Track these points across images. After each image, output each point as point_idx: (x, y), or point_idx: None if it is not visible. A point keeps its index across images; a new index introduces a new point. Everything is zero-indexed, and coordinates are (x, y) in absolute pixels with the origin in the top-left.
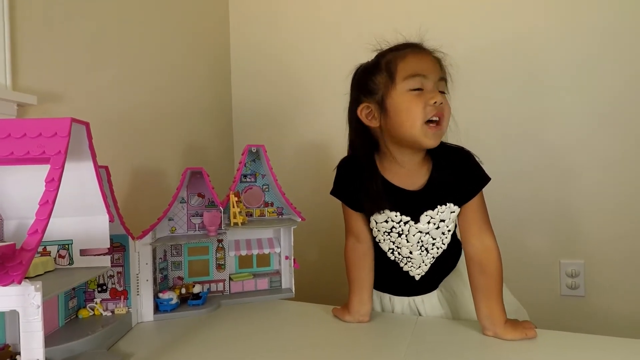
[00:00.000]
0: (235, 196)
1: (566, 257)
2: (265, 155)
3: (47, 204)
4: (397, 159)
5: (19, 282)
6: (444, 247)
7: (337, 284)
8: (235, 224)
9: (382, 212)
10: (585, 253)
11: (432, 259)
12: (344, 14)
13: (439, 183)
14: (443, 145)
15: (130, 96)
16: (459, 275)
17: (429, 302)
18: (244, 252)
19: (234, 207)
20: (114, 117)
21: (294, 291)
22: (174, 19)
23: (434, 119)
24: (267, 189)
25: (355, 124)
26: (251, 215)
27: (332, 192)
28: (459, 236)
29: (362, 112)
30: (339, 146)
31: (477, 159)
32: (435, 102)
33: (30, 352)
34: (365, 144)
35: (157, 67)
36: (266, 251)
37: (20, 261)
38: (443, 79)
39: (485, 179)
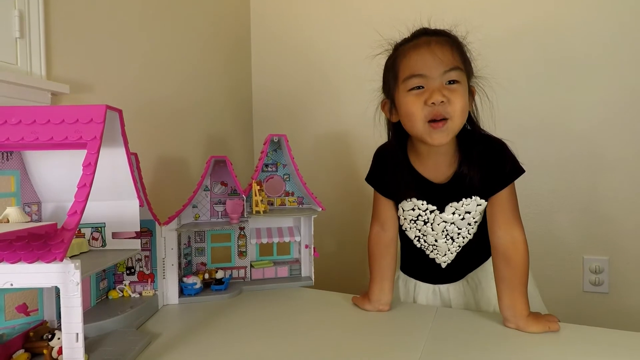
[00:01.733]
0: (257, 185)
1: (590, 253)
2: (287, 144)
3: (85, 187)
4: (423, 152)
5: (61, 260)
6: (470, 236)
7: (355, 274)
8: (257, 212)
9: (409, 199)
10: (611, 249)
11: (458, 247)
12: (365, 4)
13: (465, 177)
14: (475, 136)
15: (155, 87)
16: (486, 269)
17: (454, 291)
18: (264, 240)
19: (256, 195)
20: (141, 107)
21: (313, 279)
22: (197, 11)
23: (437, 119)
24: (287, 179)
25: (385, 117)
26: (272, 204)
27: (367, 178)
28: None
29: (385, 107)
30: (358, 137)
31: (510, 151)
32: (432, 103)
33: (70, 326)
34: (395, 134)
35: (181, 59)
36: (286, 240)
37: (62, 239)
38: (454, 69)
39: (517, 172)
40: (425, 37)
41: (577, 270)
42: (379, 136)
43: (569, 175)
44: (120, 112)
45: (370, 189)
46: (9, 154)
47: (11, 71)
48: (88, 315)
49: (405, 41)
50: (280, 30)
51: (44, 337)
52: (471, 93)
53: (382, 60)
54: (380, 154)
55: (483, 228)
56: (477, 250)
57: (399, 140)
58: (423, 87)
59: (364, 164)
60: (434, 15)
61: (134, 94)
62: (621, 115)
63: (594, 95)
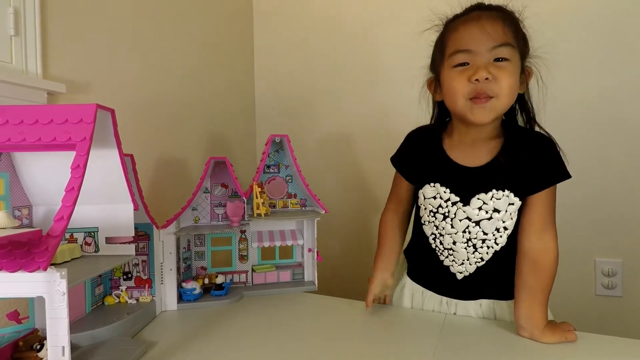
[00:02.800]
0: (258, 187)
1: (602, 255)
2: (289, 145)
3: (73, 190)
4: (463, 131)
5: (45, 269)
6: (497, 247)
7: (359, 278)
8: (259, 214)
9: (432, 185)
10: (624, 251)
11: (480, 260)
12: (367, 5)
13: (503, 166)
14: (524, 129)
15: (155, 87)
16: (509, 305)
17: (463, 310)
18: (266, 244)
19: (257, 197)
20: (140, 107)
21: (316, 284)
22: (198, 10)
23: (478, 95)
24: (290, 180)
25: (429, 96)
26: (274, 206)
27: (392, 158)
28: None
29: (430, 85)
30: (362, 138)
31: (559, 151)
32: (476, 80)
33: (56, 338)
34: (437, 115)
35: (181, 58)
36: (289, 243)
37: (46, 247)
38: (504, 45)
39: (564, 175)
40: (477, 11)
41: (588, 273)
42: (386, 137)
43: (580, 173)
44: (112, 111)
45: (376, 191)
46: None
47: (6, 70)
48: (82, 323)
49: (457, 17)
50: (284, 29)
51: (34, 347)
52: (526, 74)
53: (390, 59)
54: (412, 135)
55: (515, 247)
56: (503, 273)
57: (441, 122)
58: (468, 64)
59: (368, 166)
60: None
61: (132, 93)
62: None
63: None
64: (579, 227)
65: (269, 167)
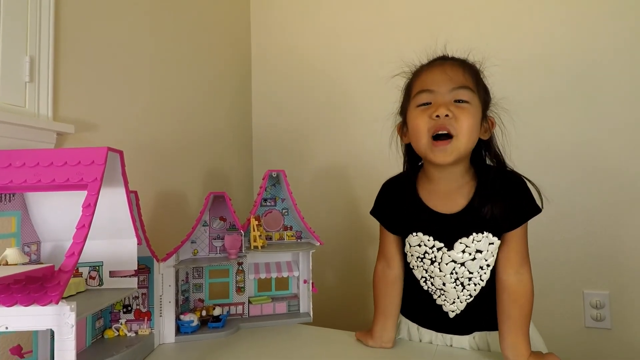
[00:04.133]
0: (255, 220)
1: (590, 288)
2: (285, 180)
3: (84, 227)
4: (434, 177)
5: (57, 302)
6: (482, 283)
7: (356, 309)
8: (255, 247)
9: (415, 234)
10: (611, 284)
11: (469, 296)
12: (363, 39)
13: (479, 209)
14: (494, 169)
15: (157, 125)
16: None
17: (458, 344)
18: (263, 276)
19: (254, 230)
20: (142, 145)
21: (311, 315)
22: (199, 51)
23: (441, 132)
24: (286, 213)
25: (402, 143)
26: (270, 238)
27: (372, 211)
28: None
29: (400, 129)
30: (358, 171)
31: (529, 187)
32: (437, 116)
33: None
34: (408, 162)
35: (183, 97)
36: (285, 274)
37: (58, 282)
38: (464, 88)
39: (535, 210)
40: (440, 60)
41: (577, 305)
42: (381, 167)
43: (566, 206)
44: (121, 153)
45: (371, 224)
46: (11, 196)
47: (20, 114)
48: (83, 356)
49: (423, 66)
50: (281, 65)
51: None
52: (490, 124)
53: (386, 94)
54: (387, 186)
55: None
56: (490, 306)
57: (411, 168)
58: (431, 104)
59: (365, 198)
60: (443, 42)
61: (136, 132)
62: (628, 142)
63: (608, 122)
64: (568, 260)
65: (265, 200)
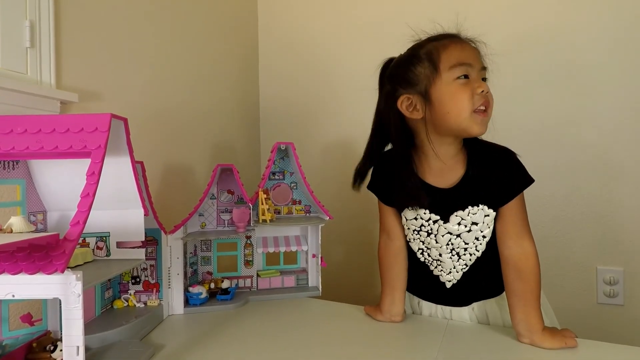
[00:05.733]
0: (264, 193)
1: (604, 264)
2: (294, 152)
3: (88, 196)
4: (431, 153)
5: (62, 271)
6: (478, 254)
7: (364, 283)
8: (264, 220)
9: (411, 208)
10: (625, 260)
11: (464, 266)
12: (371, 12)
13: (473, 183)
14: (483, 143)
15: (163, 96)
16: (497, 301)
17: (458, 316)
18: (271, 249)
19: (262, 204)
20: (148, 116)
21: (320, 289)
22: (205, 22)
23: (481, 107)
24: (295, 187)
25: (393, 118)
26: (279, 212)
27: (369, 186)
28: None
29: (403, 104)
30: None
31: (519, 160)
32: (482, 91)
33: (71, 338)
34: (402, 138)
35: (189, 68)
36: (293, 249)
37: (63, 251)
38: (485, 68)
39: (527, 181)
40: (459, 37)
41: (590, 282)
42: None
43: (581, 182)
44: (125, 120)
45: (376, 198)
46: (14, 163)
47: (21, 80)
48: (92, 326)
49: (432, 39)
50: (288, 38)
51: (47, 348)
52: None
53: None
54: (382, 161)
55: (494, 250)
56: (486, 275)
57: (406, 144)
58: (467, 78)
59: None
60: (441, 19)
61: (142, 102)
62: (635, 121)
63: (606, 101)
64: (581, 236)
65: (274, 174)
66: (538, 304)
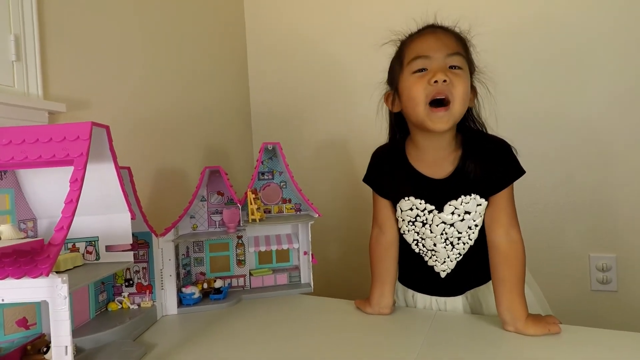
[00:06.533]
0: (252, 193)
1: (596, 251)
2: (281, 152)
3: (72, 202)
4: (422, 145)
5: (47, 275)
6: (471, 242)
7: (354, 280)
8: (254, 220)
9: (407, 199)
10: (617, 247)
11: (458, 255)
12: (360, 12)
13: (466, 173)
14: (479, 134)
15: (152, 101)
16: (488, 287)
17: (452, 306)
18: (263, 248)
19: (251, 204)
20: (139, 122)
21: (312, 286)
22: (192, 26)
23: (439, 97)
24: (284, 186)
25: (388, 112)
26: (270, 212)
27: (364, 179)
28: None
29: (388, 99)
30: (358, 142)
31: (514, 151)
32: (435, 81)
33: (59, 339)
34: (395, 130)
35: (178, 73)
36: (285, 247)
37: (47, 255)
38: (457, 54)
39: (519, 172)
40: (431, 28)
41: (583, 269)
42: (380, 136)
43: (573, 169)
44: (107, 128)
45: (369, 190)
46: (2, 173)
47: (8, 93)
48: (86, 328)
49: (409, 35)
50: (275, 40)
51: (41, 350)
52: (473, 91)
53: (382, 63)
54: (377, 154)
55: (485, 239)
56: (479, 263)
57: (400, 135)
58: (426, 70)
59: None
60: (433, 10)
61: (132, 108)
62: (626, 108)
63: (597, 87)
64: (574, 224)
65: (263, 174)
66: (522, 292)
